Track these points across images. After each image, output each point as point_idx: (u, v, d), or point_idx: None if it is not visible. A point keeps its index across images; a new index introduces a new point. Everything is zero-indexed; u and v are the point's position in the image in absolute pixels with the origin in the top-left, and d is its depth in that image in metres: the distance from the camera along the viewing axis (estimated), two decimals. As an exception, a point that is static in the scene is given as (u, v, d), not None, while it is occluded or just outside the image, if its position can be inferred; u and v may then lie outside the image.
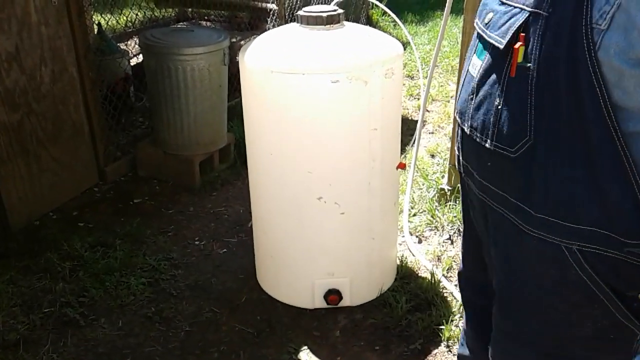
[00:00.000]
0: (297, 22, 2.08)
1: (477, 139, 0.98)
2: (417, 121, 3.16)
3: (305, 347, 2.13)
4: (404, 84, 4.49)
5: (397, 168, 2.19)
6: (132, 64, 3.76)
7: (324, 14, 2.02)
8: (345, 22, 2.10)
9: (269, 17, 4.35)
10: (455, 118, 1.12)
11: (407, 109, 4.25)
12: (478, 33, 1.00)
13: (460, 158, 1.10)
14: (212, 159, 3.29)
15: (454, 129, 1.14)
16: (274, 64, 1.94)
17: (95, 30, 3.71)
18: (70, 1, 2.78)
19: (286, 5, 4.52)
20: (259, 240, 2.40)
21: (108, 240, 2.69)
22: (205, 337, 2.19)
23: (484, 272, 1.22)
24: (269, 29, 4.33)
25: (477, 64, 0.98)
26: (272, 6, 4.36)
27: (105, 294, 2.37)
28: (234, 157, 3.44)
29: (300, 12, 2.07)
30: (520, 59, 0.86)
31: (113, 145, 3.29)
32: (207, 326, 2.24)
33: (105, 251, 2.62)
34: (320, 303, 2.27)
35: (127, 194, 3.14)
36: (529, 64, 0.85)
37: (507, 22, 0.90)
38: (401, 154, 2.41)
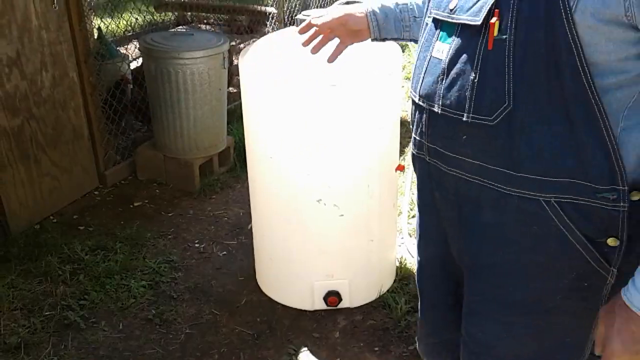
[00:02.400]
0: (296, 26, 2.09)
1: (452, 115, 1.03)
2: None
3: (305, 349, 2.14)
4: (402, 86, 4.51)
5: (395, 170, 2.20)
6: (132, 67, 3.77)
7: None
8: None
9: (268, 21, 4.38)
10: (415, 106, 1.15)
11: (406, 111, 4.27)
12: (439, 20, 1.07)
13: (425, 142, 1.14)
14: (212, 162, 3.30)
15: (411, 118, 1.17)
16: (273, 69, 1.95)
17: (96, 35, 3.73)
18: (70, 6, 2.80)
19: (285, 8, 4.54)
20: (258, 243, 2.41)
21: (108, 244, 2.71)
22: (205, 339, 2.20)
23: (446, 264, 1.26)
24: (268, 32, 4.35)
25: (443, 48, 1.04)
26: (272, 10, 4.38)
27: (106, 297, 2.38)
28: (234, 160, 3.46)
29: (299, 16, 2.08)
30: (496, 32, 0.93)
31: (113, 149, 3.31)
32: (207, 328, 2.25)
33: (105, 254, 2.63)
34: (320, 305, 2.28)
35: (127, 198, 3.15)
36: (504, 36, 0.93)
37: (476, 3, 0.97)
38: (400, 155, 2.42)
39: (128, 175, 3.36)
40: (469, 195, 1.10)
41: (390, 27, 1.37)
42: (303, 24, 1.41)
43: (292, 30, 2.11)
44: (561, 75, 0.90)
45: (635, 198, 0.96)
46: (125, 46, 4.88)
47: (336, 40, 1.40)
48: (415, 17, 1.36)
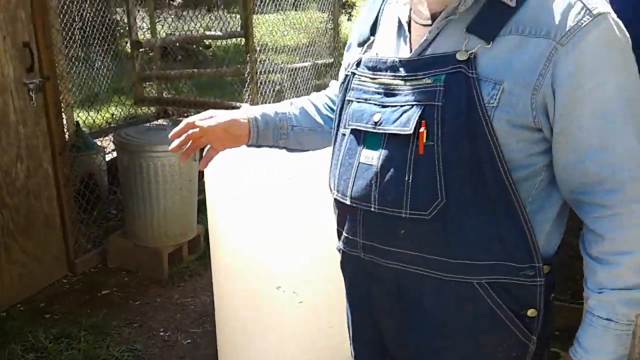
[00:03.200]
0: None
1: (390, 213, 1.11)
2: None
3: None
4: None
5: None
6: (108, 159, 3.91)
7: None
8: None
9: (241, 115, 4.60)
10: (344, 207, 1.22)
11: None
12: (362, 132, 1.15)
13: (359, 240, 1.20)
14: (182, 251, 3.38)
15: (340, 223, 1.25)
16: (235, 165, 2.10)
17: (74, 128, 3.90)
18: (48, 102, 2.97)
19: (259, 104, 4.79)
20: (221, 331, 2.45)
21: (73, 332, 2.72)
22: None
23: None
24: (241, 126, 4.55)
25: (372, 155, 1.13)
26: (246, 105, 4.62)
27: (66, 387, 2.38)
28: (204, 248, 3.54)
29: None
30: (425, 139, 1.05)
31: (84, 237, 3.38)
32: (166, 418, 2.24)
33: (69, 342, 2.64)
34: (281, 392, 2.29)
35: (95, 286, 3.19)
36: (432, 142, 1.04)
37: (402, 115, 1.08)
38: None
39: (98, 263, 3.41)
40: (409, 286, 1.17)
41: (269, 135, 1.42)
42: (177, 128, 1.36)
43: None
44: (484, 172, 1.02)
45: (546, 272, 1.09)
46: (105, 137, 5.07)
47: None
48: (293, 126, 1.43)
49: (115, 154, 4.17)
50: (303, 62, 6.20)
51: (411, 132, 1.06)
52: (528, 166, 1.05)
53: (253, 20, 5.89)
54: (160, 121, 5.82)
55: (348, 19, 18.80)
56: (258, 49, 5.55)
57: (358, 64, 1.19)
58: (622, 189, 0.99)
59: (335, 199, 1.24)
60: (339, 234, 1.28)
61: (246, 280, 2.20)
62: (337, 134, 1.24)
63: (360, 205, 1.16)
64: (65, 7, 5.67)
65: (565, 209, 1.13)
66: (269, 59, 5.90)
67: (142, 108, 5.72)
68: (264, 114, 1.40)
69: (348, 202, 1.19)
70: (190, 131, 1.35)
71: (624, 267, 1.02)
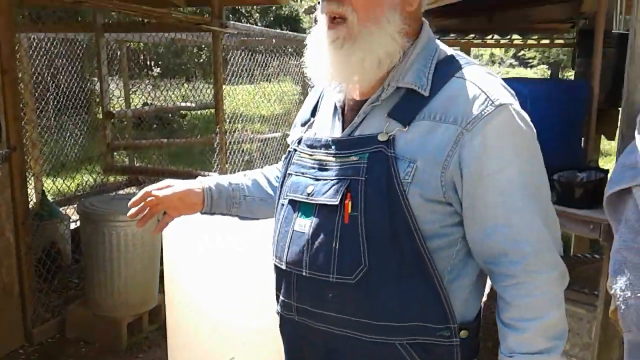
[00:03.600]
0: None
1: (319, 277, 1.20)
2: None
3: None
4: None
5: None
6: (72, 227, 3.93)
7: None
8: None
9: (209, 185, 4.69)
10: (281, 272, 1.31)
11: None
12: (297, 202, 1.27)
13: (294, 303, 1.29)
14: (141, 320, 3.36)
15: (278, 289, 1.34)
16: (190, 235, 2.16)
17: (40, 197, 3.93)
18: (14, 173, 3.02)
19: (228, 173, 4.89)
20: (175, 402, 2.43)
21: (24, 405, 2.66)
22: None
23: None
24: (209, 195, 4.63)
25: (304, 223, 1.24)
26: (214, 175, 4.72)
27: None
28: (164, 317, 3.51)
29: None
30: (350, 210, 1.16)
31: (43, 306, 3.35)
32: None
33: (18, 417, 2.58)
34: None
35: (52, 356, 3.14)
36: (356, 213, 1.15)
37: (331, 187, 1.20)
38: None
39: (56, 333, 3.36)
40: (338, 347, 1.24)
41: (221, 204, 1.52)
42: (135, 197, 1.45)
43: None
44: (402, 240, 1.13)
45: (463, 336, 1.18)
46: (71, 206, 5.09)
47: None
48: (245, 195, 1.53)
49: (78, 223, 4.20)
50: (274, 132, 6.38)
51: (338, 203, 1.17)
52: (443, 236, 1.15)
53: (230, 91, 6.08)
54: (130, 189, 5.87)
55: (321, 91, 19.32)
56: (230, 118, 5.72)
57: (299, 142, 1.32)
58: (525, 261, 1.10)
59: (273, 264, 1.33)
60: (277, 298, 1.36)
61: (201, 346, 2.22)
62: (278, 204, 1.35)
63: (294, 270, 1.26)
64: (40, 77, 5.81)
65: (482, 277, 1.23)
66: (239, 130, 6.05)
67: (109, 177, 5.78)
68: (217, 184, 1.50)
69: (284, 267, 1.28)
70: (148, 199, 1.43)
71: (530, 332, 1.11)
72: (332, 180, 1.21)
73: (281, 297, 1.33)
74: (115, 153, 5.41)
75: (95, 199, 3.36)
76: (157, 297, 3.46)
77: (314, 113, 1.37)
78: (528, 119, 1.16)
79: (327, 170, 1.23)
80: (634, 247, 1.61)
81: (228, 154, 5.00)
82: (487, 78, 1.15)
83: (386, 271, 1.15)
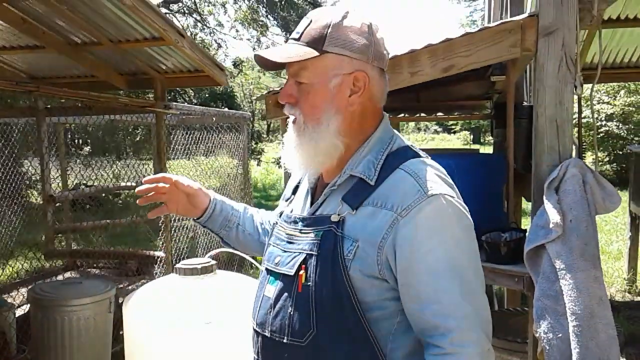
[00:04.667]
0: (176, 273, 2.45)
1: (277, 338, 1.37)
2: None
3: None
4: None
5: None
6: (16, 315, 3.85)
7: (199, 266, 2.42)
8: (217, 271, 2.51)
9: (156, 264, 4.73)
10: (254, 331, 1.48)
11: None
12: (269, 270, 1.45)
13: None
14: (94, 407, 3.31)
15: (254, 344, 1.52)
16: (153, 316, 2.25)
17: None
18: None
19: (173, 252, 4.95)
20: None
21: None
22: None
23: None
24: (156, 274, 4.67)
25: (271, 289, 1.42)
26: (160, 254, 4.76)
27: None
28: (117, 403, 3.48)
29: (178, 265, 2.44)
30: (303, 280, 1.33)
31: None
32: None
33: None
34: None
35: None
36: (309, 283, 1.32)
37: (292, 260, 1.38)
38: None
39: None
40: None
41: (217, 221, 1.69)
42: (153, 176, 1.60)
43: (173, 276, 2.46)
44: (344, 310, 1.29)
45: None
46: (10, 293, 4.95)
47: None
48: (238, 224, 1.71)
49: (24, 309, 4.12)
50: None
51: (293, 273, 1.36)
52: (383, 308, 1.32)
53: (167, 166, 6.17)
54: (70, 273, 5.76)
55: (257, 164, 19.68)
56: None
57: (280, 215, 1.52)
58: (451, 335, 1.24)
59: (252, 324, 1.50)
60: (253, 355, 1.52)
61: None
62: (260, 271, 1.54)
63: (260, 331, 1.44)
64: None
65: (422, 346, 1.37)
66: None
67: (49, 261, 5.66)
68: (223, 202, 1.68)
69: (255, 327, 1.46)
70: (161, 184, 1.60)
71: None
72: (293, 252, 1.39)
73: (253, 354, 1.50)
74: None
75: (46, 285, 3.37)
76: (109, 382, 3.43)
77: (295, 191, 1.57)
78: (461, 206, 1.29)
79: (293, 243, 1.41)
80: (551, 295, 1.87)
81: (172, 231, 5.08)
82: (426, 171, 1.32)
83: (332, 336, 1.31)
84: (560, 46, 1.98)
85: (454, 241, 1.27)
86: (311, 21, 1.33)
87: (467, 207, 1.32)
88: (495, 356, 2.72)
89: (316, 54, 1.30)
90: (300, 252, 1.37)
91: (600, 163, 12.57)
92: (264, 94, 2.62)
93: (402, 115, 4.08)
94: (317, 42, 1.31)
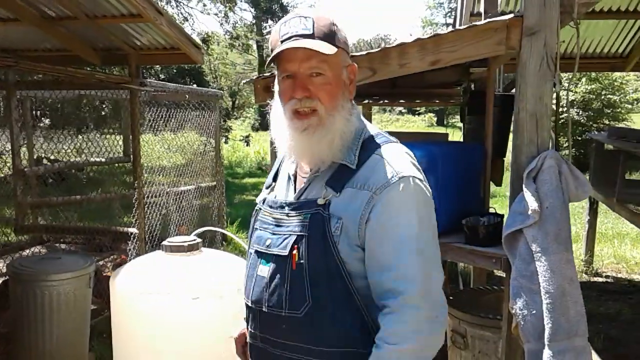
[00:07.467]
0: (162, 250, 2.51)
1: (275, 312, 1.51)
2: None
3: None
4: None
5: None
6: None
7: (185, 244, 2.49)
8: (202, 249, 2.58)
9: (129, 240, 4.74)
10: (248, 308, 1.61)
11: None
12: (260, 252, 1.58)
13: (258, 333, 1.58)
14: (72, 380, 3.35)
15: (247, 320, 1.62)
16: (143, 287, 2.32)
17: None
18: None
19: (146, 228, 4.96)
20: None
21: None
22: None
23: None
24: (129, 250, 4.69)
25: (264, 269, 1.55)
26: (133, 230, 4.77)
27: None
28: (96, 376, 3.52)
29: (165, 242, 2.50)
30: (297, 258, 1.47)
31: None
32: None
33: None
34: None
35: None
36: (302, 261, 1.46)
37: (284, 241, 1.51)
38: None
39: (-20, 402, 3.27)
40: None
41: None
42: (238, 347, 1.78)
43: (159, 253, 2.52)
44: (335, 281, 1.44)
45: None
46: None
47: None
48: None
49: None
50: (187, 185, 6.49)
51: (287, 253, 1.50)
52: (366, 277, 1.46)
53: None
54: (36, 248, 5.70)
55: (225, 141, 19.54)
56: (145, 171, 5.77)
57: (263, 202, 1.65)
58: (402, 297, 1.39)
59: (244, 302, 1.64)
60: (248, 329, 1.65)
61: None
62: (248, 252, 1.67)
63: (257, 307, 1.58)
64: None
65: None
66: (148, 182, 6.07)
67: (14, 236, 5.57)
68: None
69: (250, 304, 1.61)
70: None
71: (385, 352, 1.39)
72: (284, 235, 1.53)
73: (249, 329, 1.64)
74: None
75: (25, 259, 3.36)
76: (87, 356, 3.47)
77: (275, 178, 1.70)
78: (425, 188, 1.46)
79: (281, 226, 1.55)
80: (526, 275, 2.02)
81: (145, 208, 5.08)
82: (398, 155, 1.48)
83: (325, 306, 1.46)
84: (542, 46, 2.09)
85: (418, 218, 1.43)
86: (314, 19, 1.45)
87: (430, 189, 1.48)
88: (468, 330, 2.89)
89: (335, 49, 1.43)
90: (290, 234, 1.51)
91: (560, 149, 13.02)
92: (252, 79, 2.67)
93: (382, 101, 4.17)
94: (331, 39, 1.44)
